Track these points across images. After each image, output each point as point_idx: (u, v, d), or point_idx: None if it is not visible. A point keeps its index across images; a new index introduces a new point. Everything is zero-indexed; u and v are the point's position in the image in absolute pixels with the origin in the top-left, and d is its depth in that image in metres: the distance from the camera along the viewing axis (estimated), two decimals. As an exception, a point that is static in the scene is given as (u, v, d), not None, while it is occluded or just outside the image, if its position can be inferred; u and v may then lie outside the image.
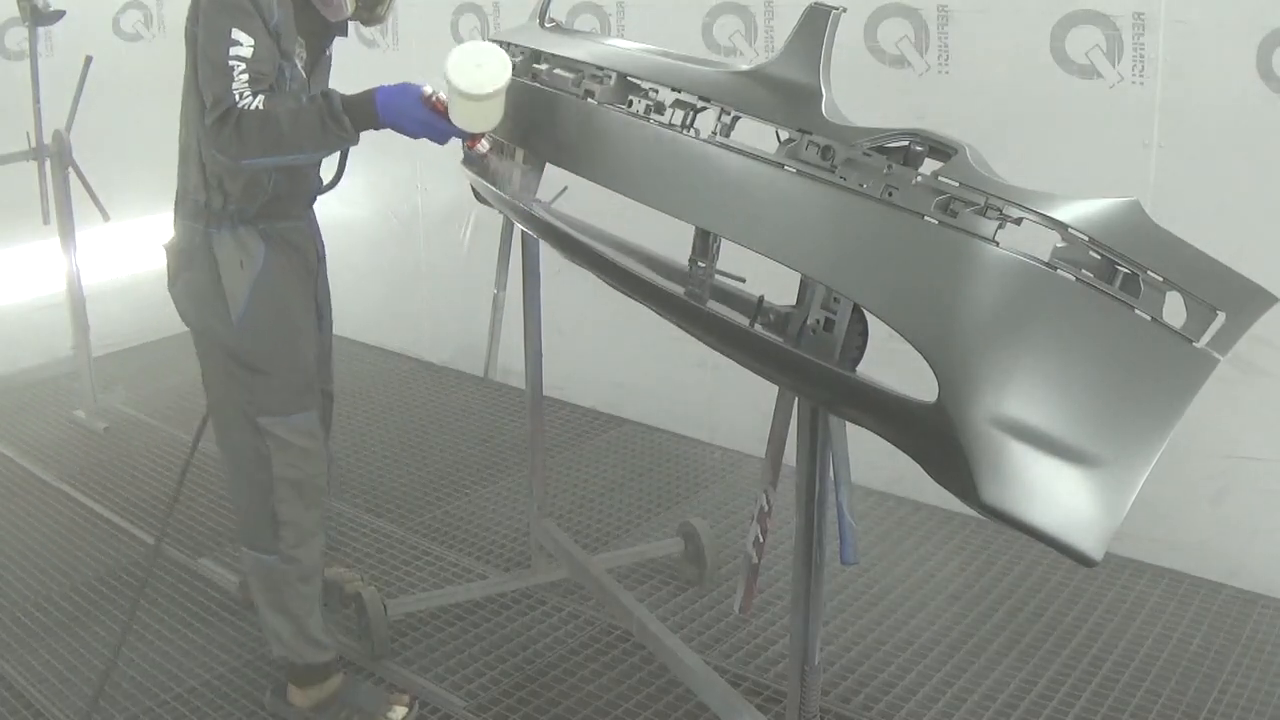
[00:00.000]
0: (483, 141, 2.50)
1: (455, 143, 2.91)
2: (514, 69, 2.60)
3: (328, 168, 2.81)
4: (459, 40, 4.70)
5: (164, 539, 3.17)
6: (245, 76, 2.37)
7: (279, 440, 2.65)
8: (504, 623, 3.26)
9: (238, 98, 2.36)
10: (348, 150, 2.63)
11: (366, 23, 2.75)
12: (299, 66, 2.58)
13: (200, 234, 2.64)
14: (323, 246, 2.90)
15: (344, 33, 2.73)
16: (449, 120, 2.41)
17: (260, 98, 2.38)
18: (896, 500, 3.87)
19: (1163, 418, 1.53)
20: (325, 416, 2.94)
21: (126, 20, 5.30)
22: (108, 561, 3.63)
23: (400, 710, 2.84)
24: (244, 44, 2.37)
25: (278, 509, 2.68)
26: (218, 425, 2.75)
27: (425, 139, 2.48)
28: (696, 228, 2.10)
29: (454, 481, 4.16)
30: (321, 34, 2.66)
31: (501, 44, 2.75)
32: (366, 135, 2.55)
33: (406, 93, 2.43)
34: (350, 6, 2.59)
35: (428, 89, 2.43)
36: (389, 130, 2.52)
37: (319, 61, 2.69)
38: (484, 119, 2.40)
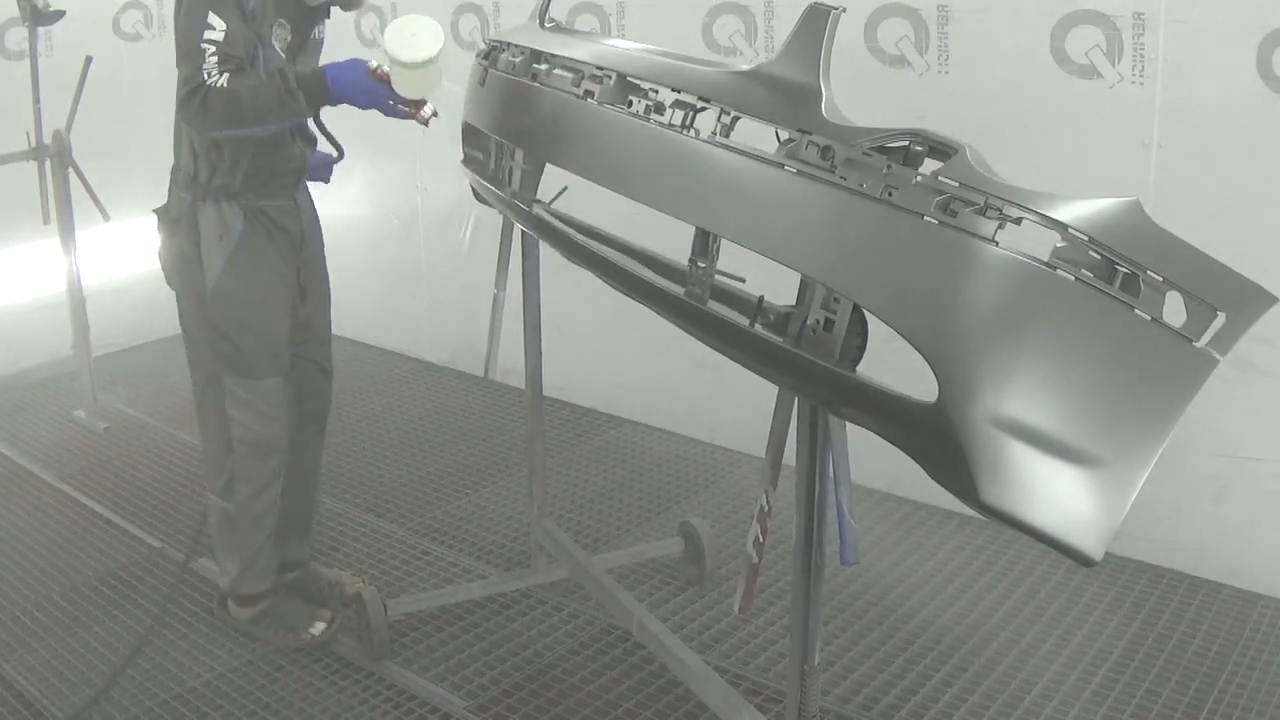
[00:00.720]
0: (425, 108, 2.72)
1: (455, 144, 2.93)
2: (514, 68, 2.62)
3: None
4: (459, 41, 4.70)
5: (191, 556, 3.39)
6: (215, 58, 2.60)
7: (240, 401, 2.91)
8: (504, 623, 3.26)
9: (205, 76, 2.60)
10: (326, 129, 2.89)
11: (345, 7, 2.93)
12: (278, 48, 2.77)
13: (187, 204, 2.88)
14: (316, 230, 3.11)
15: (326, 15, 2.93)
16: (393, 90, 2.66)
17: (225, 76, 2.61)
18: (896, 500, 3.87)
19: (1163, 418, 1.53)
20: (323, 392, 3.21)
21: (126, 20, 5.30)
22: (108, 561, 3.63)
23: (320, 625, 3.13)
24: (217, 27, 2.60)
25: (235, 465, 2.96)
26: (194, 378, 3.02)
27: (374, 109, 2.71)
28: (696, 228, 2.10)
29: (454, 481, 4.16)
30: (305, 17, 2.85)
31: (501, 44, 2.77)
32: (367, 139, 2.59)
33: (354, 68, 2.67)
34: None
35: (373, 63, 2.67)
36: (384, 129, 2.83)
37: (306, 43, 2.88)
38: (421, 86, 2.65)
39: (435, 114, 2.75)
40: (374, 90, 2.67)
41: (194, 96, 2.61)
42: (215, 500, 3.05)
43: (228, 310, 2.88)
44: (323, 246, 3.15)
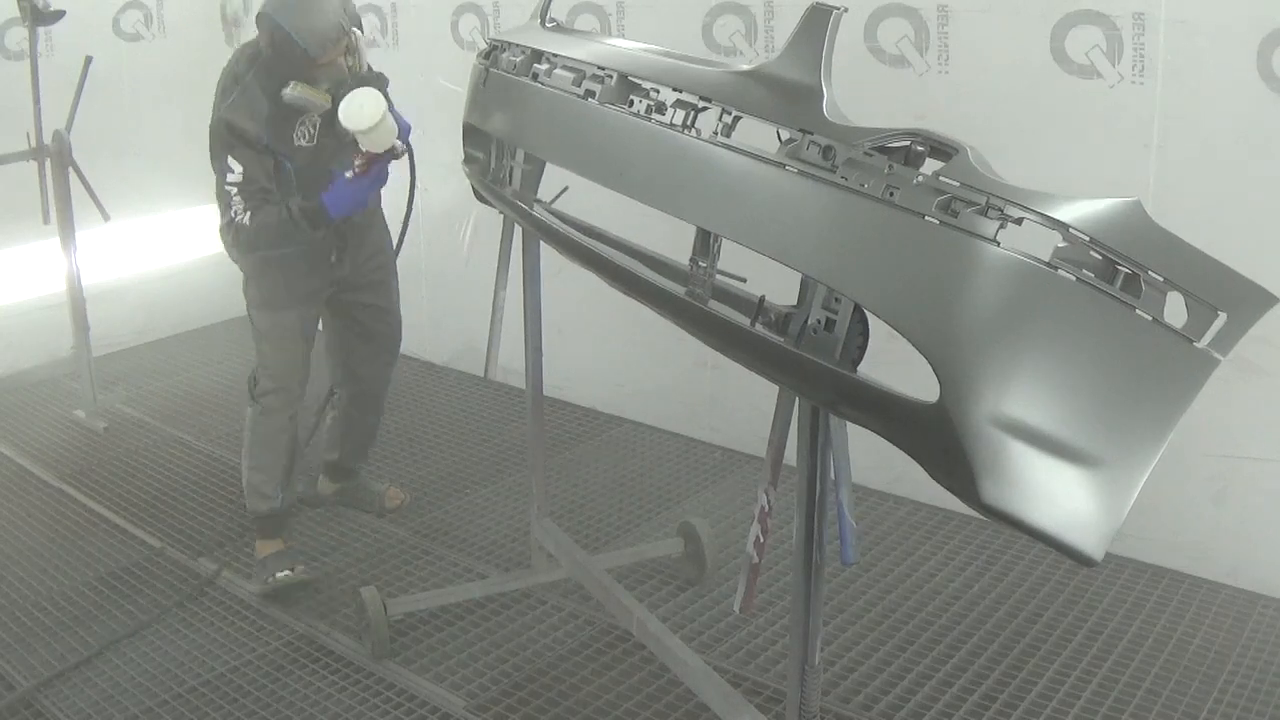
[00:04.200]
0: (398, 146, 3.17)
1: (455, 144, 2.94)
2: (515, 69, 2.63)
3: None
4: (459, 41, 4.70)
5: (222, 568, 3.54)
6: (239, 198, 3.11)
7: (255, 327, 3.43)
8: (504, 623, 3.26)
9: (234, 215, 3.11)
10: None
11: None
12: (303, 144, 3.22)
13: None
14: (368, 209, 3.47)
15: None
16: (368, 161, 3.12)
17: (248, 214, 3.10)
18: (896, 500, 3.87)
19: (1163, 418, 1.53)
20: (383, 328, 3.66)
21: (126, 20, 5.30)
22: (108, 562, 3.63)
23: (284, 573, 3.35)
24: (235, 170, 3.09)
25: (256, 382, 3.43)
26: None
27: (375, 189, 3.22)
28: (697, 227, 2.10)
29: (454, 481, 4.16)
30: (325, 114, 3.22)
31: (502, 44, 2.77)
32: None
33: (341, 187, 3.14)
34: (321, 103, 3.13)
35: (349, 174, 3.14)
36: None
37: (333, 126, 3.18)
38: (380, 140, 3.10)
39: (406, 149, 3.24)
40: (359, 194, 3.16)
41: (226, 232, 3.16)
42: (246, 409, 3.46)
43: (250, 263, 3.34)
44: (374, 218, 3.56)
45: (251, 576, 3.42)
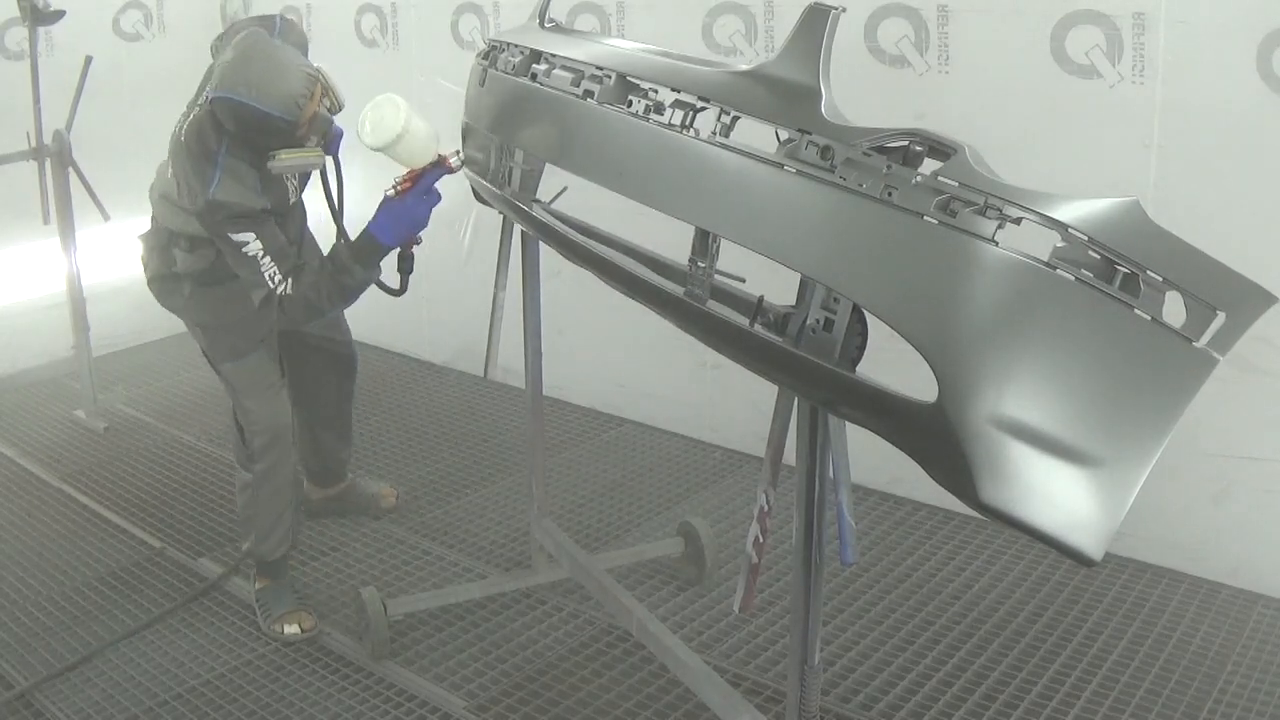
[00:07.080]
0: (452, 159, 2.82)
1: (455, 143, 2.93)
2: (514, 69, 2.62)
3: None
4: (459, 41, 4.70)
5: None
6: (268, 260, 2.82)
7: (229, 383, 3.20)
8: (504, 623, 3.26)
9: (271, 283, 2.82)
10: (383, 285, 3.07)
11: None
12: (293, 199, 3.11)
13: (166, 235, 3.15)
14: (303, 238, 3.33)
15: (327, 130, 3.03)
16: (412, 178, 2.79)
17: (289, 281, 2.83)
18: (896, 500, 3.87)
19: (1163, 418, 1.53)
20: (337, 356, 3.58)
21: (126, 20, 5.30)
22: (108, 561, 3.63)
23: (291, 629, 3.19)
24: (249, 241, 2.80)
25: (252, 446, 3.17)
26: (217, 373, 3.27)
27: (427, 207, 2.83)
28: (696, 228, 2.10)
29: (454, 481, 4.16)
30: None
31: (501, 44, 2.76)
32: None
33: (387, 211, 2.82)
34: (316, 161, 2.96)
35: (389, 192, 2.81)
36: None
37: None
38: (419, 153, 2.76)
39: (459, 153, 2.85)
40: (407, 213, 2.81)
41: (270, 302, 2.85)
42: (240, 473, 3.27)
43: (204, 310, 3.17)
44: (311, 247, 3.38)
45: (258, 612, 3.27)
